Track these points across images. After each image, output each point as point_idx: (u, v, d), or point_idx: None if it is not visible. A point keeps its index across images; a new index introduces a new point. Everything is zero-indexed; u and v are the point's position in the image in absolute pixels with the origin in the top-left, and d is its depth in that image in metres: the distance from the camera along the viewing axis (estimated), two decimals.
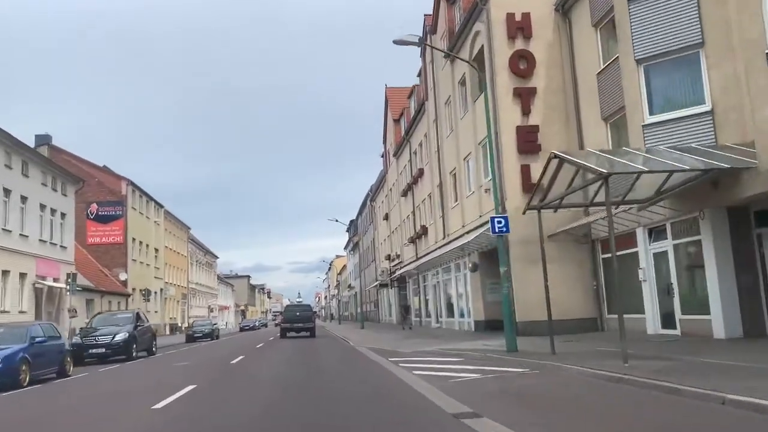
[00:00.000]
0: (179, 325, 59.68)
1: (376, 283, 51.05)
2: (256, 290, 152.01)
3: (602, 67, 17.68)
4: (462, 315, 25.57)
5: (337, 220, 54.72)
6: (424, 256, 31.17)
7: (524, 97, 19.41)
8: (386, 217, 46.76)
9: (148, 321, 24.33)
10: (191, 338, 38.49)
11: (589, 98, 18.50)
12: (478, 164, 22.03)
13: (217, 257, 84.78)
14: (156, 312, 52.54)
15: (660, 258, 15.68)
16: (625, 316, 18.43)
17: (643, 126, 13.68)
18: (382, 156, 50.05)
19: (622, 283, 18.06)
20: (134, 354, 20.96)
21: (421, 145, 32.70)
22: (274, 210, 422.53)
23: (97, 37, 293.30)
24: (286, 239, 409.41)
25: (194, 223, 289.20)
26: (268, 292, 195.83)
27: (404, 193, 37.59)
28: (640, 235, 16.30)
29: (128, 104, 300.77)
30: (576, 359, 11.28)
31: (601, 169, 10.08)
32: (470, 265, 22.75)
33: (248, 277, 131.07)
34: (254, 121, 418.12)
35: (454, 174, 25.87)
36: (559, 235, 18.58)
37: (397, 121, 40.30)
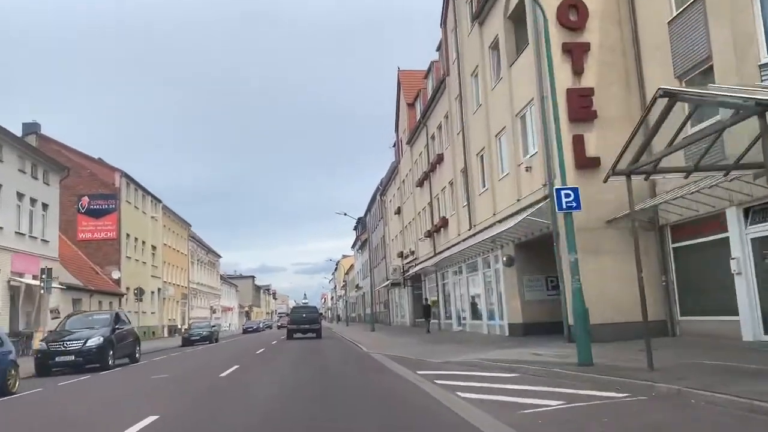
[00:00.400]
0: (179, 326, 56.60)
1: (387, 283, 47.82)
2: (261, 291, 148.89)
3: (675, 13, 14.37)
4: (492, 317, 22.28)
5: (345, 214, 52.72)
6: (445, 251, 27.91)
7: (575, 54, 16.11)
8: (398, 211, 43.49)
9: (130, 322, 21.16)
10: (188, 341, 35.37)
11: (655, 54, 15.19)
12: (515, 139, 18.74)
13: (219, 256, 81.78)
14: (153, 313, 49.46)
15: (763, 244, 12.35)
16: (709, 318, 15.38)
17: (760, 66, 10.37)
18: (394, 146, 46.79)
19: (703, 277, 14.86)
20: (111, 362, 17.79)
21: (440, 127, 29.43)
22: (279, 211, 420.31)
23: (98, 37, 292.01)
24: (291, 240, 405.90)
25: (198, 224, 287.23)
26: (274, 293, 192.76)
27: (419, 183, 34.33)
28: (732, 216, 12.98)
29: (129, 105, 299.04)
30: (691, 378, 8.01)
31: (762, 97, 6.77)
32: (504, 259, 19.47)
33: (253, 277, 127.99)
34: (258, 121, 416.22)
35: (482, 156, 22.60)
36: (620, 221, 15.29)
37: (411, 105, 37.04)
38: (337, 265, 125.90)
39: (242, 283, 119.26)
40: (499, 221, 20.23)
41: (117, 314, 19.71)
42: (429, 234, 32.10)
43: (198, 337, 35.86)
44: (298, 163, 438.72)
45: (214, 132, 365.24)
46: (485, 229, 21.66)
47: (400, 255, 42.50)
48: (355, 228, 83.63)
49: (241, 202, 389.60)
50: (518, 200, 18.37)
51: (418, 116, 34.39)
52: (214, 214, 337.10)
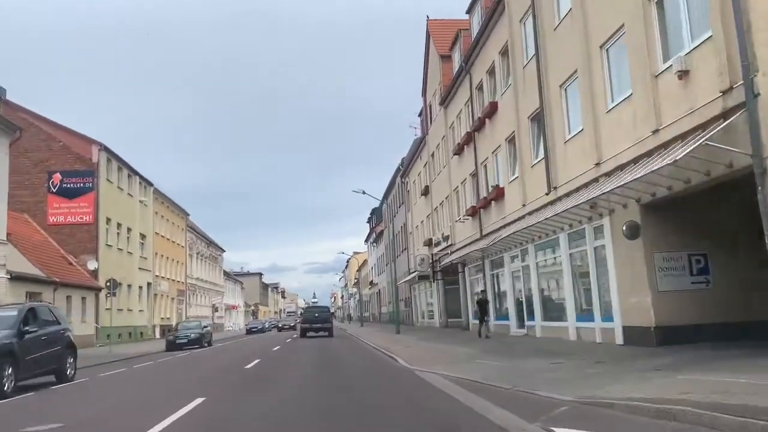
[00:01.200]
0: (174, 326, 50.31)
1: (410, 277, 41.13)
2: (269, 289, 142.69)
3: None
4: (590, 317, 15.41)
5: (364, 192, 46.93)
6: (500, 229, 21.17)
7: None
8: (425, 192, 36.74)
9: (63, 322, 14.54)
10: (172, 345, 28.85)
11: None
12: (647, 38, 11.89)
13: (223, 250, 75.32)
14: (141, 311, 43.04)
15: None
16: None
17: None
18: (419, 114, 40.07)
19: None
20: (7, 385, 11.18)
21: (492, 71, 22.67)
22: (290, 210, 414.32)
23: (115, 38, 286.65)
24: (302, 240, 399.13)
25: (208, 225, 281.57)
26: (282, 292, 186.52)
27: (458, 150, 27.56)
28: None
29: (144, 106, 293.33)
30: None
31: None
32: (624, 228, 12.64)
33: (260, 274, 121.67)
34: (262, 121, 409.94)
35: (570, 84, 15.82)
36: None
37: (446, 57, 30.23)
38: (347, 262, 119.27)
39: (248, 281, 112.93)
40: (607, 174, 13.46)
41: (33, 309, 13.06)
42: (473, 212, 25.35)
43: (185, 341, 29.35)
44: (310, 163, 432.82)
45: (221, 133, 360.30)
46: (577, 190, 14.90)
47: (428, 243, 35.76)
48: (369, 220, 77.00)
49: (253, 202, 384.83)
50: (656, 132, 11.55)
51: (457, 67, 27.63)
52: (225, 214, 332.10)
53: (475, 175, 25.20)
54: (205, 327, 33.48)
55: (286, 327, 58.04)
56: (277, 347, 25.51)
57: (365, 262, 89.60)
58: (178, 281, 53.42)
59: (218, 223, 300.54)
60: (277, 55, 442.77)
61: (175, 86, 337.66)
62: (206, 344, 31.01)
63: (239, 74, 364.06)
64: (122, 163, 40.27)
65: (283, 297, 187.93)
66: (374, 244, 70.04)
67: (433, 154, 34.72)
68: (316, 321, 34.08)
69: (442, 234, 32.49)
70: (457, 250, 28.23)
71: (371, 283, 72.48)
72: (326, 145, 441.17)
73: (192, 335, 29.87)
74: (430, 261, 34.42)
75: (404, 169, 45.37)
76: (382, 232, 63.25)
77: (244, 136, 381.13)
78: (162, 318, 48.21)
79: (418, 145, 39.50)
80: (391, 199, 55.25)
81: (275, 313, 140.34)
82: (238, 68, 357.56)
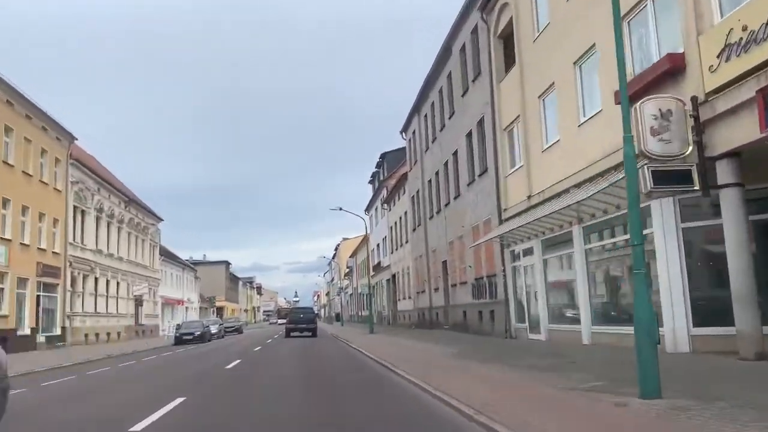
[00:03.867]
0: (16, 329, 27.31)
1: (485, 240, 18.68)
2: (240, 283, 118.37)
3: None
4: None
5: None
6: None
7: None
8: None
9: None
10: None
11: None
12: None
13: (159, 219, 51.83)
14: None
15: None
16: None
17: None
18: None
19: None
20: None
21: None
22: (273, 210, 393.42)
23: (106, 38, 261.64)
24: (285, 240, 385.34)
25: (191, 224, 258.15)
26: (258, 288, 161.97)
27: None
28: None
29: (123, 105, 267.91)
30: None
31: None
32: None
33: (226, 263, 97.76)
34: (246, 122, 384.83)
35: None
36: None
37: None
38: (336, 249, 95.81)
39: (209, 270, 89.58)
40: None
41: None
42: None
43: None
44: (294, 164, 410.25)
45: (210, 133, 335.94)
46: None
47: None
48: (373, 178, 54.20)
49: (234, 201, 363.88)
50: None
51: None
52: (209, 213, 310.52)
53: None
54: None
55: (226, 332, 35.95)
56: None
57: (362, 244, 66.93)
58: (45, 250, 30.18)
59: (198, 223, 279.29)
60: (266, 54, 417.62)
61: (163, 86, 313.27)
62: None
63: (225, 74, 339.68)
64: None
65: (259, 294, 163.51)
66: (385, 207, 46.79)
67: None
68: (301, 321, 33.74)
69: None
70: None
71: (378, 266, 49.64)
72: (308, 144, 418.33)
73: None
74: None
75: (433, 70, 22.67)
76: (397, 188, 40.53)
77: (225, 136, 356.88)
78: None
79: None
80: (418, 130, 32.68)
81: (244, 311, 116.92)
82: (224, 68, 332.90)
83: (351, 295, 76.40)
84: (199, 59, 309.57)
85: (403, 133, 37.21)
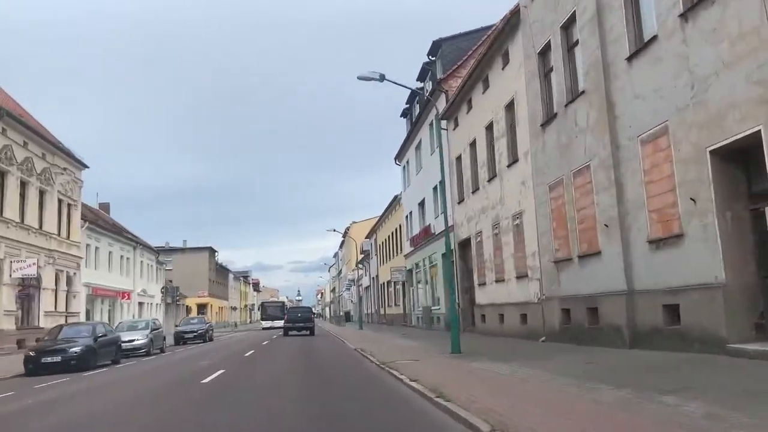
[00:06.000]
0: None
1: None
2: (231, 276, 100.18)
3: None
4: None
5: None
6: None
7: None
8: None
9: None
10: None
11: None
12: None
13: (84, 166, 34.00)
14: None
15: None
16: None
17: None
18: None
19: None
20: None
21: None
22: (276, 210, 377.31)
23: (100, 36, 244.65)
24: (288, 239, 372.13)
25: (194, 223, 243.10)
26: (255, 284, 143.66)
27: None
28: None
29: (125, 104, 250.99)
30: None
31: None
32: None
33: (210, 250, 79.69)
34: (249, 121, 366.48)
35: None
36: None
37: None
38: (344, 235, 77.69)
39: (187, 259, 72.16)
40: None
41: None
42: None
43: None
44: (298, 163, 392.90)
45: (213, 132, 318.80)
46: None
47: None
48: (407, 111, 36.12)
49: (240, 201, 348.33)
50: None
51: None
52: (212, 212, 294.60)
53: None
54: None
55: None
56: None
57: (380, 221, 49.22)
58: None
59: (198, 222, 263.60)
60: (264, 54, 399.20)
61: (159, 85, 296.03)
62: None
63: (227, 73, 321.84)
64: None
65: (256, 290, 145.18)
66: (444, 128, 28.80)
67: None
68: (298, 320, 34.63)
69: None
70: None
71: (420, 238, 31.33)
72: (313, 144, 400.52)
73: None
74: None
75: None
76: (457, 103, 22.85)
77: (228, 134, 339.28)
78: None
79: None
80: None
81: (234, 309, 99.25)
82: (225, 68, 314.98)
83: (368, 288, 58.52)
84: (204, 59, 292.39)
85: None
